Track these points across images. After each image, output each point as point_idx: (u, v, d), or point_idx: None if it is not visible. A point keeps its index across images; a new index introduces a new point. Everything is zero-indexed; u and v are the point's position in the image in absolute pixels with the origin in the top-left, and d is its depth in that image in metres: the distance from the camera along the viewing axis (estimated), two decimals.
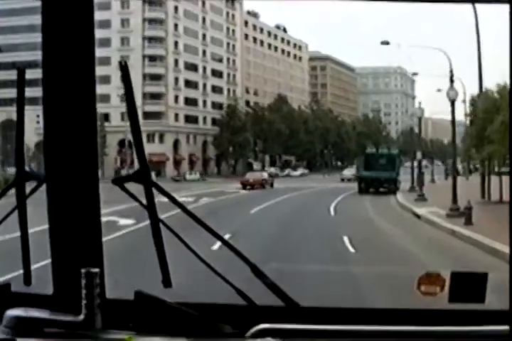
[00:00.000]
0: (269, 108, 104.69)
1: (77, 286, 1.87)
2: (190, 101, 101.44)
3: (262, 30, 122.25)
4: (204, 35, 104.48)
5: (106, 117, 75.62)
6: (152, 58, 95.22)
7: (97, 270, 1.84)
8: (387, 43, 49.13)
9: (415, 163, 41.61)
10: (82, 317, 1.86)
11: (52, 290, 2.07)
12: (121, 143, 77.46)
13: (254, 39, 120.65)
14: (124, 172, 75.91)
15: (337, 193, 40.68)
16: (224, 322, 1.93)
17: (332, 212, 28.66)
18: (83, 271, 1.82)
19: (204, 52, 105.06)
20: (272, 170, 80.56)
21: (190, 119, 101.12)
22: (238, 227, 19.59)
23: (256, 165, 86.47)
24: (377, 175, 42.56)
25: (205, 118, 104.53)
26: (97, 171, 2.07)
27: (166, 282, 2.07)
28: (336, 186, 51.98)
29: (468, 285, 1.86)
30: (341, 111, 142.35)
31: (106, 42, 76.67)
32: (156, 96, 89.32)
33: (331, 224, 23.57)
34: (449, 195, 26.99)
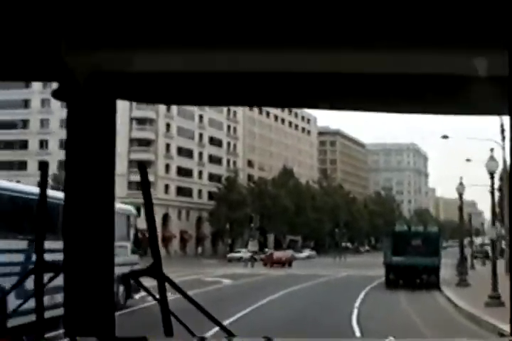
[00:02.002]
0: (273, 181, 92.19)
1: None
2: (184, 172, 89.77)
3: None
4: None
5: None
6: (141, 121, 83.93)
7: None
8: (446, 137, 49.87)
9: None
10: None
11: None
12: None
13: (260, 109, 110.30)
14: None
15: (357, 287, 29.34)
16: None
17: (357, 335, 15.78)
18: None
19: (201, 117, 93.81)
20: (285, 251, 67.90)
21: (183, 192, 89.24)
22: None
23: (251, 246, 71.93)
24: (412, 261, 30.09)
25: (200, 191, 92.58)
26: (113, 261, 2.15)
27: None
28: (353, 274, 41.15)
29: None
30: (352, 188, 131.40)
31: None
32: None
33: None
34: None
